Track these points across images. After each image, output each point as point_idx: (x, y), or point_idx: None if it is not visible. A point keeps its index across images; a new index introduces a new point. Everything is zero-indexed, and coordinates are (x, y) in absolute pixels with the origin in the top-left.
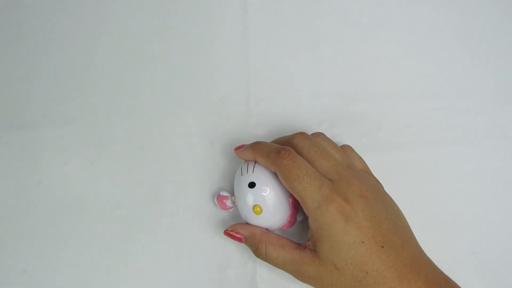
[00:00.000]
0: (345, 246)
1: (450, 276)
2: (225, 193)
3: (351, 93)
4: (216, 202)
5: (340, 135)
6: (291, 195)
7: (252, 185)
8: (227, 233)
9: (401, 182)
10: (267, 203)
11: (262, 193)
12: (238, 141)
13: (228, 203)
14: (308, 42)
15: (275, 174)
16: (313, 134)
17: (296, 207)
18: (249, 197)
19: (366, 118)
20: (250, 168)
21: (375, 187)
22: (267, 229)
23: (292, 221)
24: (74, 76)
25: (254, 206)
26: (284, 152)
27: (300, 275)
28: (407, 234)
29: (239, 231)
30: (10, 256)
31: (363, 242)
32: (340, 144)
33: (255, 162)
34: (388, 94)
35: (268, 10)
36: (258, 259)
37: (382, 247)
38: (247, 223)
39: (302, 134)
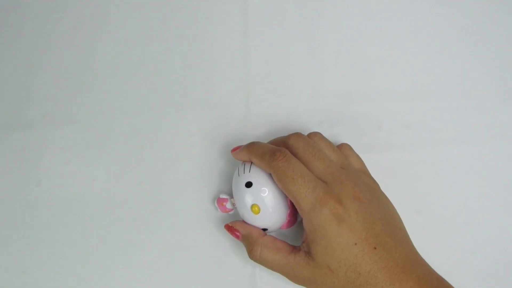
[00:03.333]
0: (338, 247)
1: (450, 277)
2: (224, 196)
3: (351, 93)
4: (216, 205)
5: (340, 135)
6: None
7: (249, 185)
8: (228, 226)
9: (401, 182)
10: (265, 202)
11: (260, 193)
12: (238, 141)
13: (228, 205)
14: (308, 42)
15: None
16: (309, 134)
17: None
18: (247, 197)
19: (366, 118)
20: (247, 169)
21: (370, 187)
22: (265, 230)
23: (292, 220)
24: (74, 76)
25: (252, 206)
26: (279, 154)
27: (294, 277)
28: (401, 235)
29: (238, 228)
30: (10, 257)
31: (356, 244)
32: (338, 143)
33: (251, 162)
34: (388, 94)
35: (268, 10)
36: None
37: (375, 248)
38: (247, 223)
39: (297, 135)
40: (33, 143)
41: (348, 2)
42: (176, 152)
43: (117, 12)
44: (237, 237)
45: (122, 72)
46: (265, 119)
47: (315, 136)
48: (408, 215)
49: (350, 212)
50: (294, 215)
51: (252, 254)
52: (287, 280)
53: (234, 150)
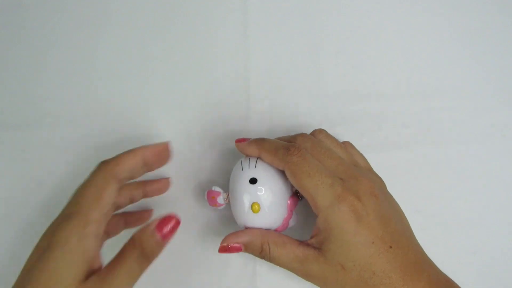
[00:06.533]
0: (354, 246)
1: (451, 276)
2: (217, 189)
3: (351, 93)
4: (206, 197)
5: (340, 135)
6: (290, 198)
7: (253, 181)
8: (223, 248)
9: (401, 182)
10: (267, 201)
11: (263, 191)
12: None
13: (220, 199)
14: (308, 42)
15: (278, 172)
16: (314, 131)
17: (292, 211)
18: (249, 194)
19: (366, 118)
20: (252, 163)
21: (381, 185)
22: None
23: (285, 225)
24: (74, 76)
25: (253, 204)
26: (293, 149)
27: (304, 273)
28: (410, 233)
29: (236, 240)
30: (10, 257)
31: (373, 242)
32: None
33: (257, 158)
34: (388, 94)
35: (268, 10)
36: (258, 259)
37: (390, 247)
38: (239, 231)
39: (303, 135)
40: (33, 143)
41: (348, 2)
42: (176, 152)
43: (117, 12)
44: (239, 249)
45: (122, 72)
46: (265, 119)
47: (320, 133)
48: (408, 215)
49: (368, 210)
50: (288, 221)
51: (263, 254)
52: (288, 280)
53: (240, 141)
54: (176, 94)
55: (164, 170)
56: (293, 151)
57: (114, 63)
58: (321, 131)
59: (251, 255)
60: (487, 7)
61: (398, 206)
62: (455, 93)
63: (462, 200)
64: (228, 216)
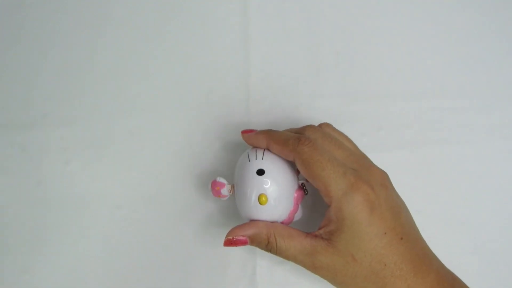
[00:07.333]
0: (367, 237)
1: None
2: (222, 180)
3: (351, 93)
4: (210, 187)
5: None
6: (296, 191)
7: (261, 172)
8: (229, 242)
9: (401, 182)
10: (274, 193)
11: (271, 183)
12: (239, 141)
13: (224, 191)
14: (308, 42)
15: (285, 164)
16: (321, 124)
17: (298, 204)
18: (256, 186)
19: (366, 118)
20: (259, 155)
21: (388, 176)
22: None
23: (291, 219)
24: (74, 76)
25: (260, 196)
26: (304, 139)
27: (312, 266)
28: (416, 226)
29: (242, 233)
30: (10, 257)
31: (385, 233)
32: None
33: (264, 149)
34: (388, 94)
35: (268, 10)
36: (258, 258)
37: (401, 239)
38: (244, 224)
39: (312, 127)
40: (33, 143)
41: (348, 2)
42: (176, 152)
43: (117, 12)
44: (245, 242)
45: (122, 72)
46: (265, 119)
47: (327, 127)
48: None
49: (380, 200)
50: (293, 214)
51: (270, 246)
52: (288, 279)
53: (246, 132)
54: (176, 94)
55: (162, 170)
56: (304, 141)
57: (114, 63)
58: (327, 124)
59: (251, 255)
60: (486, 7)
61: (402, 199)
62: (455, 93)
63: (462, 200)
64: (230, 208)
